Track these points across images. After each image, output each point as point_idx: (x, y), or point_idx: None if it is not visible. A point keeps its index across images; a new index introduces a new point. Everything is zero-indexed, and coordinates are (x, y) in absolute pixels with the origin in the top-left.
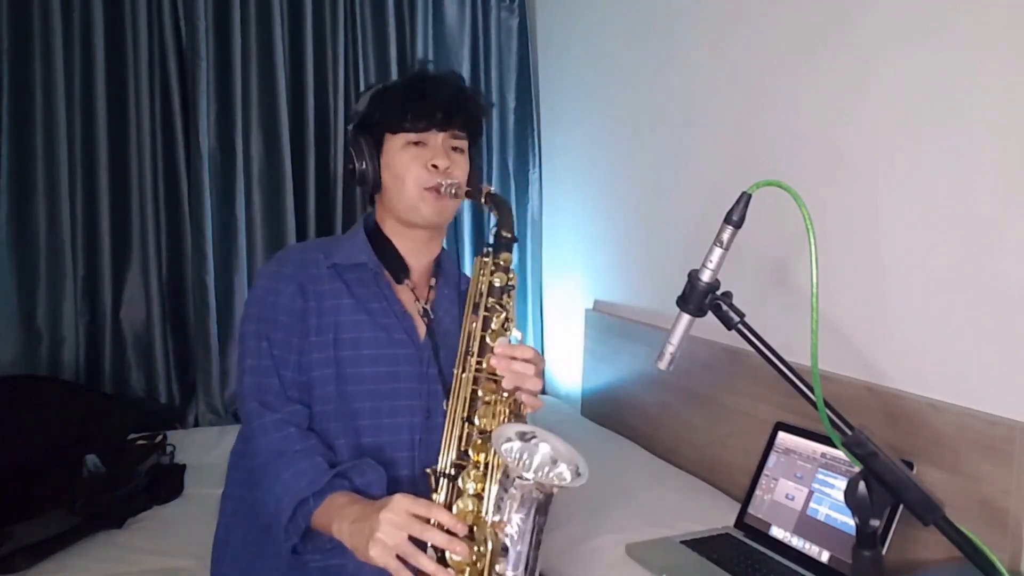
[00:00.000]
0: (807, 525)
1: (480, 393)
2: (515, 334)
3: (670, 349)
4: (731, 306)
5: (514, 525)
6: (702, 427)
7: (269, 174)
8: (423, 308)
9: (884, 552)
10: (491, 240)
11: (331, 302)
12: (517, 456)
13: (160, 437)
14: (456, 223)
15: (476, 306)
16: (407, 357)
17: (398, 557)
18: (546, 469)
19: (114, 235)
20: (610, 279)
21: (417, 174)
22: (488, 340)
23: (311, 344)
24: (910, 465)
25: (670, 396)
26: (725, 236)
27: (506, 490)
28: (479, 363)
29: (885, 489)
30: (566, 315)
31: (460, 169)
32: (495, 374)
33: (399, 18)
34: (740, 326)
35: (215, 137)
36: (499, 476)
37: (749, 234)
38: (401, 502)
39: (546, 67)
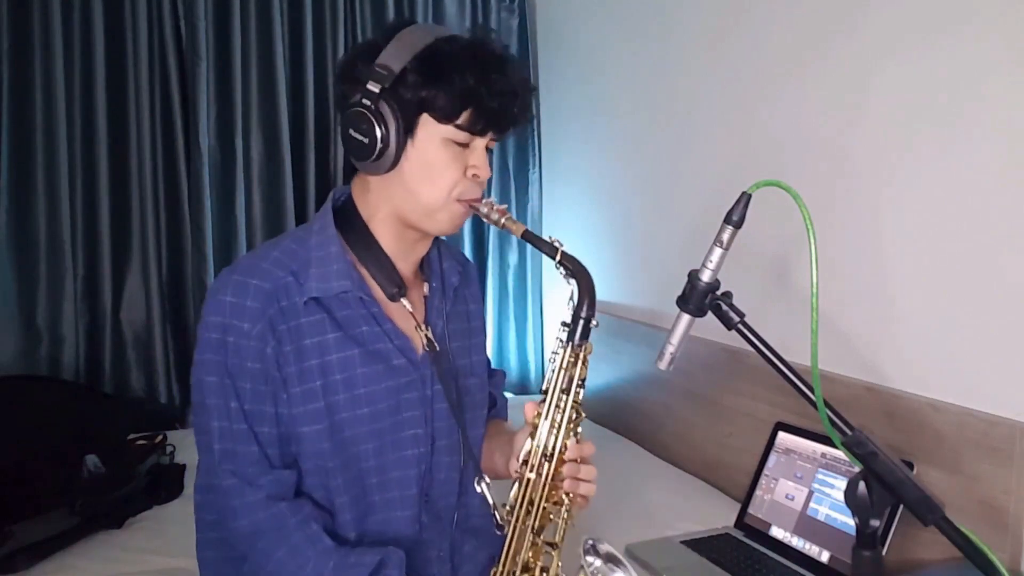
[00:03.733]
0: (807, 525)
1: (543, 500)
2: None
3: (670, 349)
4: (731, 306)
5: None
6: (702, 427)
7: (269, 174)
8: (424, 332)
9: (884, 552)
10: (569, 320)
11: (312, 340)
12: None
13: (160, 437)
14: None
15: (554, 401)
16: (409, 384)
17: None
18: None
19: (114, 235)
20: (610, 279)
21: (455, 179)
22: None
23: (292, 396)
24: (910, 465)
25: (670, 396)
26: (725, 236)
27: None
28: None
29: (885, 489)
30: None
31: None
32: (555, 476)
33: (399, 18)
34: (740, 326)
35: (215, 137)
36: None
37: (749, 234)
38: None
39: (546, 67)
